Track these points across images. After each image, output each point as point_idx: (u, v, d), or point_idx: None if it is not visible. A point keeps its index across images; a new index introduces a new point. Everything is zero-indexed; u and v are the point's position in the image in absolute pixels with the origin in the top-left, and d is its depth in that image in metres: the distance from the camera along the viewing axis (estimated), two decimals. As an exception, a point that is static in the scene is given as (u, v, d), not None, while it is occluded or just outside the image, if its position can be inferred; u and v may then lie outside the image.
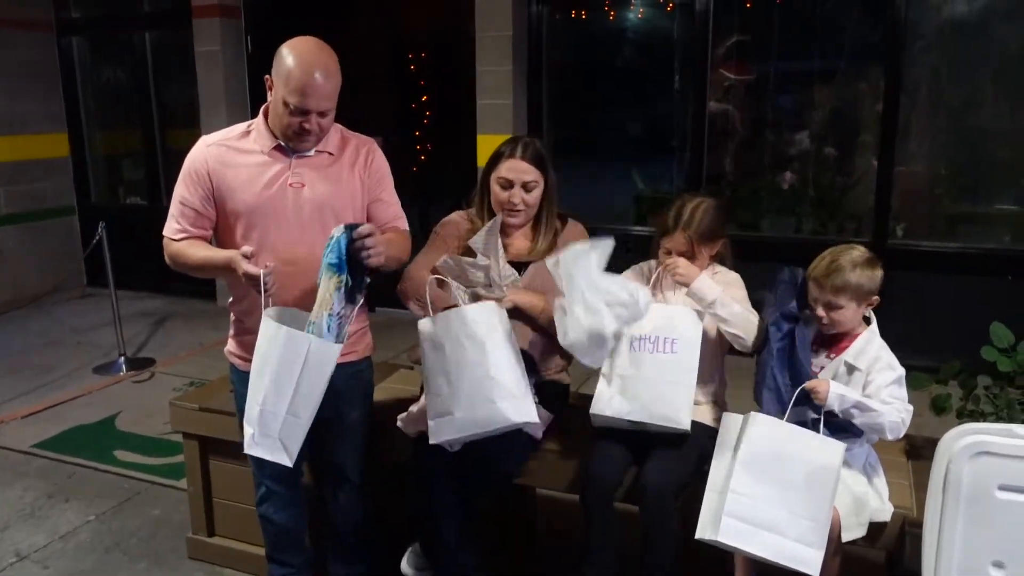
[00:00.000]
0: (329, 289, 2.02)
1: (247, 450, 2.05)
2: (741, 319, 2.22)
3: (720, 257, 2.41)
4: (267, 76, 2.14)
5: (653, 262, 2.42)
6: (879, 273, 2.15)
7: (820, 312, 2.15)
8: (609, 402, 2.23)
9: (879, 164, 4.62)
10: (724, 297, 2.21)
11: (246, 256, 2.05)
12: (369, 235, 2.03)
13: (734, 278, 2.37)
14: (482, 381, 2.08)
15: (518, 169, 2.42)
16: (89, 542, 3.08)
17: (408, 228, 2.40)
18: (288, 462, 2.04)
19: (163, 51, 6.47)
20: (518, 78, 5.18)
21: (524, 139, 2.50)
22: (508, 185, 2.43)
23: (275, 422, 2.00)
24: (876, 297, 2.16)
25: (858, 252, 2.16)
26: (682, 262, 2.26)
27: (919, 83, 4.61)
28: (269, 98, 2.15)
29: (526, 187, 2.42)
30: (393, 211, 2.38)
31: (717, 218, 2.34)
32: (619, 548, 2.24)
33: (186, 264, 2.23)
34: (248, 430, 2.04)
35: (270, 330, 2.00)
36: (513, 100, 5.14)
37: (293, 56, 2.06)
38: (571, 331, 2.03)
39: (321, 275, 2.03)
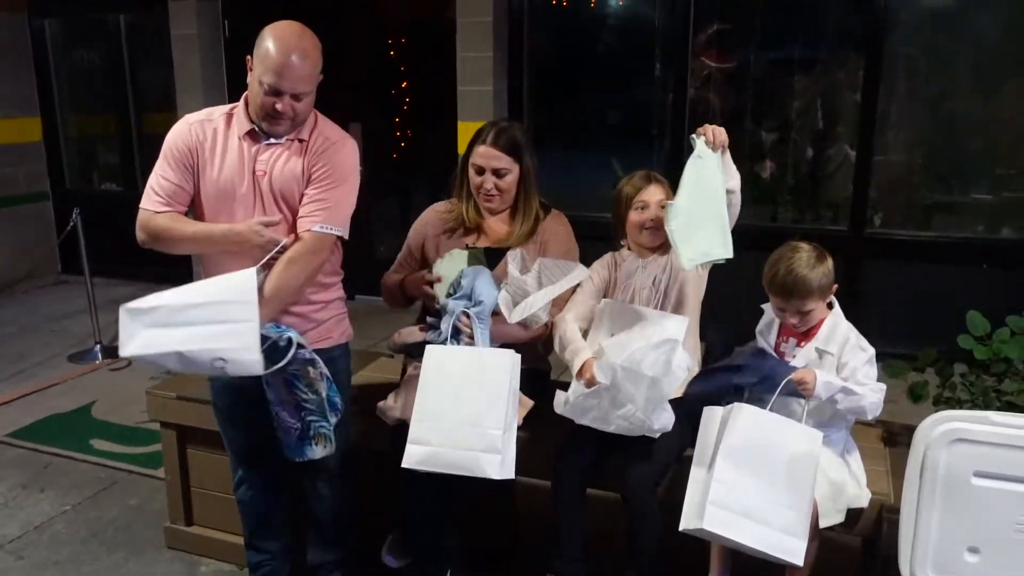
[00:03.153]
0: None
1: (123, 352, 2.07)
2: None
3: None
4: (248, 56, 2.12)
5: (622, 252, 2.45)
6: (830, 263, 2.17)
7: (792, 320, 2.18)
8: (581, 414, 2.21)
9: (858, 153, 4.65)
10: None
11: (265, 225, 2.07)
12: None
13: None
14: (472, 427, 2.08)
15: (489, 155, 2.42)
16: (65, 532, 3.04)
17: (321, 230, 2.14)
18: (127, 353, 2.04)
19: (138, 34, 6.36)
20: (499, 64, 5.15)
21: (501, 124, 2.49)
22: (480, 171, 2.44)
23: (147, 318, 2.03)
24: (836, 285, 2.18)
25: (805, 252, 2.16)
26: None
27: (898, 73, 4.64)
28: (249, 79, 2.13)
29: (497, 173, 2.43)
30: (315, 212, 2.14)
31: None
32: (585, 537, 2.26)
33: (173, 238, 2.17)
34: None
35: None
36: (494, 86, 5.11)
37: (273, 37, 2.05)
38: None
39: None
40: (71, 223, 4.85)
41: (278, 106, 2.07)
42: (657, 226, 2.32)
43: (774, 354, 2.22)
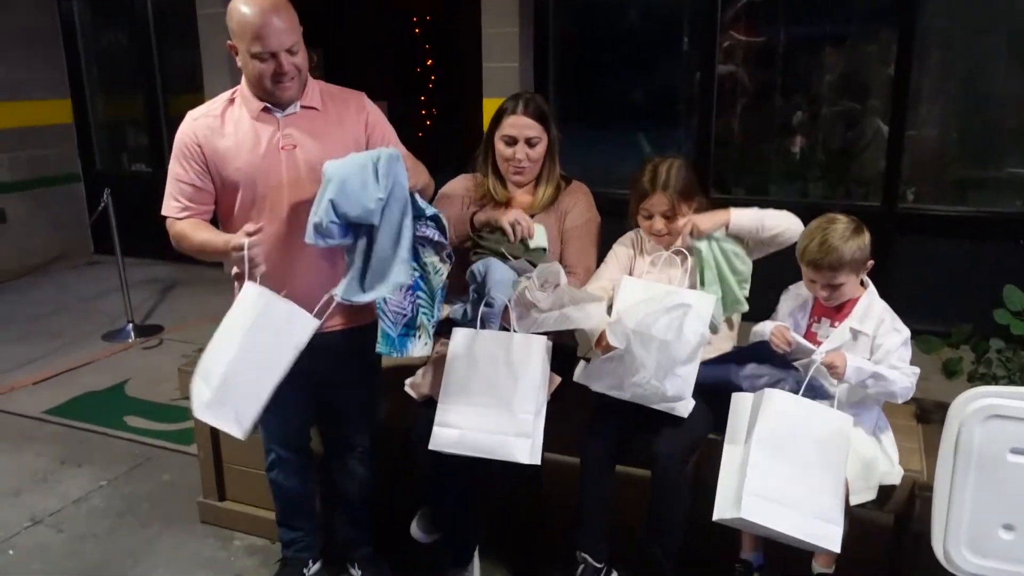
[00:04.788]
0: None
1: (197, 413, 2.02)
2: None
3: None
4: (228, 43, 2.09)
5: (638, 231, 2.44)
6: (867, 237, 2.14)
7: (822, 293, 2.15)
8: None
9: (891, 128, 4.56)
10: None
11: (249, 234, 1.99)
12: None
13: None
14: (503, 411, 2.09)
15: (520, 124, 2.42)
16: (102, 506, 3.11)
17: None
18: (240, 434, 1.99)
19: (165, 14, 6.38)
20: (525, 41, 5.11)
21: (526, 95, 2.50)
22: (512, 142, 2.44)
23: (235, 393, 1.96)
24: (871, 261, 2.14)
25: (843, 224, 2.13)
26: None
27: (931, 46, 4.53)
28: (238, 63, 2.10)
29: (529, 142, 2.43)
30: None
31: (690, 173, 2.36)
32: (609, 516, 2.27)
33: (189, 246, 2.17)
34: (203, 392, 1.99)
35: (251, 295, 1.98)
36: (519, 63, 5.08)
37: (241, 6, 2.02)
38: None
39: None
40: (102, 204, 4.91)
41: (279, 68, 2.04)
42: (660, 235, 2.35)
43: (784, 346, 2.15)
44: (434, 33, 5.85)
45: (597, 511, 2.27)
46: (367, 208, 1.98)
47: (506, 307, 2.17)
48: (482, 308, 2.18)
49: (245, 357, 1.96)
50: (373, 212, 1.99)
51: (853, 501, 2.05)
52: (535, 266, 2.25)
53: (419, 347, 2.19)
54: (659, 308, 2.09)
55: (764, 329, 2.19)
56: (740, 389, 2.14)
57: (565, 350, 2.56)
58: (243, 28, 2.01)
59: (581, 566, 2.29)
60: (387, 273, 2.05)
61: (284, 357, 1.96)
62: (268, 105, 2.14)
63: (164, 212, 2.19)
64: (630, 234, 2.48)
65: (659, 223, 2.33)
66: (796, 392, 2.05)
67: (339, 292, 2.04)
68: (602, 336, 2.21)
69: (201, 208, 2.19)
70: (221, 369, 1.96)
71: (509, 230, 2.31)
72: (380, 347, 2.16)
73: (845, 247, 2.09)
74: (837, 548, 1.93)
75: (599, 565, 2.28)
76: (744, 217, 2.26)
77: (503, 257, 2.26)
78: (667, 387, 2.08)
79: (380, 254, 2.04)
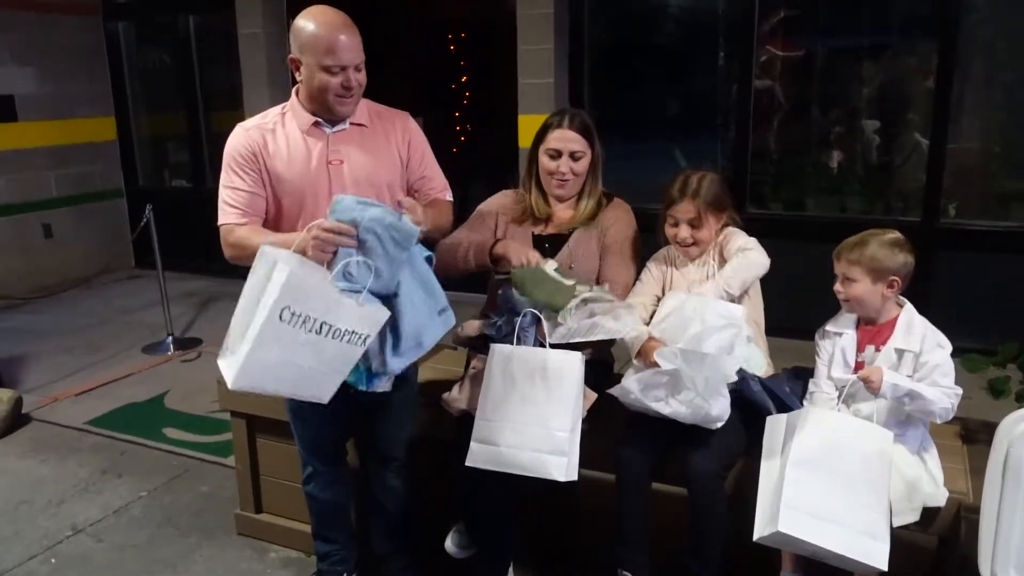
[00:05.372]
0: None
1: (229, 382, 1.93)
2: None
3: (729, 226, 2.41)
4: (290, 57, 2.13)
5: (669, 248, 2.44)
6: (903, 256, 2.10)
7: (838, 286, 2.15)
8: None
9: (931, 142, 4.49)
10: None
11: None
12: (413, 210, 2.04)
13: (745, 239, 2.32)
14: (539, 428, 2.09)
15: (566, 139, 2.45)
16: (141, 517, 3.15)
17: (452, 198, 2.42)
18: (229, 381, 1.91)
19: (206, 33, 6.54)
20: (559, 56, 5.13)
21: (571, 110, 2.54)
22: (556, 155, 2.46)
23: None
24: (896, 278, 2.10)
25: (890, 234, 2.13)
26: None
27: (972, 58, 4.46)
28: (298, 77, 2.15)
29: (573, 156, 2.45)
30: (439, 184, 2.41)
31: (722, 188, 2.35)
32: (649, 531, 2.24)
33: (251, 250, 2.02)
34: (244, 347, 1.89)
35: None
36: (554, 79, 5.09)
37: (311, 23, 2.07)
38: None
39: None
40: (144, 219, 5.00)
41: (346, 83, 2.10)
42: (685, 244, 2.35)
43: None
44: (469, 50, 5.88)
45: (636, 527, 2.25)
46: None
47: (539, 320, 2.17)
48: (517, 322, 2.18)
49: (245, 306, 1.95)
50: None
51: (896, 523, 2.00)
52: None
53: (384, 384, 2.15)
54: (710, 327, 2.09)
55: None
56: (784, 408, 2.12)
57: (603, 365, 2.55)
58: (316, 41, 2.06)
59: None
60: (422, 336, 2.09)
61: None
62: (319, 120, 2.18)
63: (221, 221, 2.20)
64: (662, 251, 2.49)
65: (684, 231, 2.33)
66: None
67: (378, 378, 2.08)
68: (645, 349, 2.20)
69: (255, 217, 2.21)
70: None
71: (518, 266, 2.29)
72: (348, 376, 2.05)
73: (871, 247, 2.09)
74: (884, 566, 1.87)
75: None
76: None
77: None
78: (712, 405, 2.08)
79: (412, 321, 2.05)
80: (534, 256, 2.29)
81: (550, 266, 2.27)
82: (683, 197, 2.32)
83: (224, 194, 2.21)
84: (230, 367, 1.89)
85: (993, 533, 1.76)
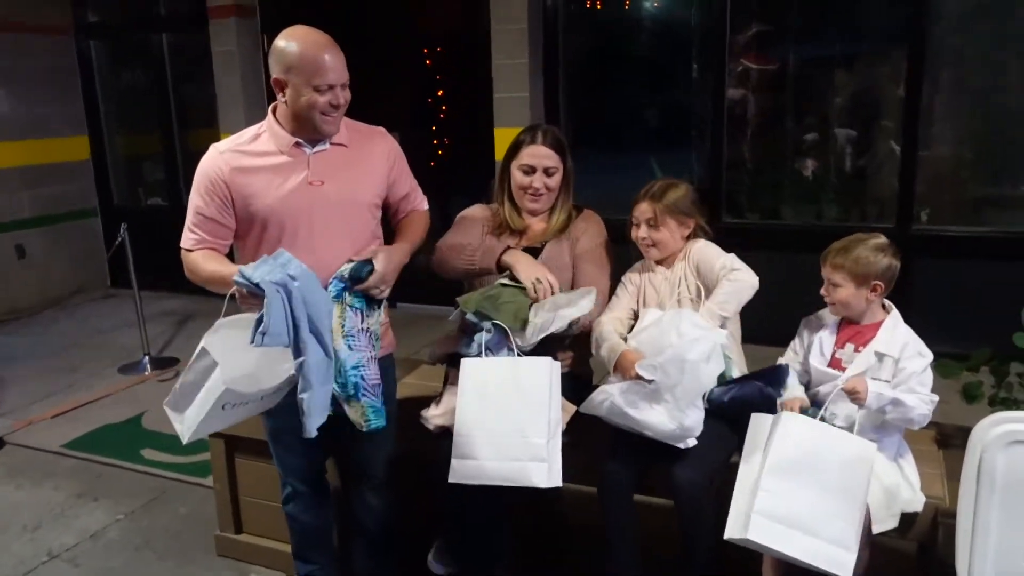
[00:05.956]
0: (339, 315, 2.08)
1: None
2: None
3: (696, 236, 2.46)
4: (275, 79, 2.11)
5: (644, 262, 2.50)
6: (887, 261, 2.14)
7: (823, 291, 2.19)
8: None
9: (903, 149, 4.55)
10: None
11: None
12: (375, 286, 2.11)
13: (728, 257, 2.33)
14: (516, 437, 2.08)
15: (539, 155, 2.46)
16: (119, 540, 3.11)
17: (427, 207, 2.46)
18: (183, 437, 1.95)
19: (180, 53, 6.49)
20: (534, 70, 5.16)
21: (543, 126, 2.55)
22: (530, 171, 2.48)
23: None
24: (879, 283, 2.13)
25: (876, 239, 2.16)
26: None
27: (942, 66, 4.53)
28: (281, 98, 2.12)
29: (547, 172, 2.47)
30: (418, 198, 2.43)
31: (687, 197, 2.41)
32: (639, 542, 2.24)
33: (198, 277, 2.17)
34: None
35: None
36: (530, 92, 5.12)
37: (295, 44, 2.06)
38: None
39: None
40: (119, 238, 4.96)
41: (334, 101, 2.09)
42: (644, 243, 2.41)
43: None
44: (445, 65, 5.90)
45: (623, 539, 2.25)
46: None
47: (507, 332, 2.17)
48: (484, 336, 2.19)
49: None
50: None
51: (876, 530, 2.02)
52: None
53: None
54: (688, 336, 2.12)
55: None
56: (766, 407, 2.13)
57: (581, 378, 2.56)
58: (303, 62, 2.05)
59: None
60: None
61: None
62: (300, 140, 2.16)
63: (181, 244, 2.21)
64: (637, 264, 2.53)
65: (643, 230, 2.40)
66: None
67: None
68: (621, 365, 2.21)
69: (215, 243, 2.19)
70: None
71: (530, 287, 2.29)
72: (373, 423, 2.15)
73: (855, 252, 2.12)
74: (849, 574, 1.90)
75: None
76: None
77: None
78: (687, 415, 2.09)
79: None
80: (554, 283, 2.30)
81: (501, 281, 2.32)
82: (643, 199, 2.40)
83: (190, 216, 2.20)
84: (180, 426, 1.96)
85: (970, 537, 1.78)
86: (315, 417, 2.00)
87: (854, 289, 2.14)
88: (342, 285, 2.10)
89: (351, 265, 2.11)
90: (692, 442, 2.14)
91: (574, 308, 2.24)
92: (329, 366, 2.01)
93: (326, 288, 2.07)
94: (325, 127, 2.14)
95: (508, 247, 2.46)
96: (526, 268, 2.34)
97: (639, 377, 2.14)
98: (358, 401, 2.13)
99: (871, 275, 2.12)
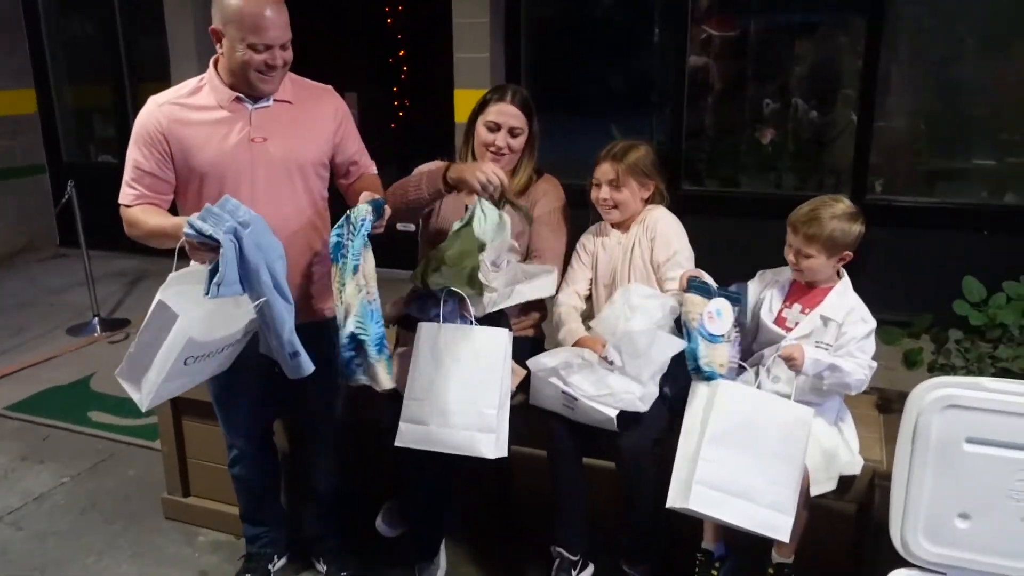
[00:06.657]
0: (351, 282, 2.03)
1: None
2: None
3: (655, 200, 2.46)
4: (212, 28, 2.04)
5: (600, 224, 2.50)
6: (857, 228, 2.14)
7: (791, 258, 2.18)
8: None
9: (859, 119, 4.59)
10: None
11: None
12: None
13: (673, 229, 2.37)
14: (467, 407, 2.08)
15: (506, 113, 2.43)
16: (64, 503, 3.06)
17: (376, 171, 2.42)
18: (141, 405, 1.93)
19: (132, 2, 6.27)
20: (495, 31, 5.08)
21: (513, 87, 2.52)
22: (495, 128, 2.44)
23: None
24: (849, 252, 2.15)
25: (842, 205, 2.15)
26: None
27: (900, 36, 4.57)
28: (219, 50, 2.06)
29: (512, 132, 2.44)
30: (366, 161, 2.39)
31: (648, 158, 2.41)
32: (587, 505, 2.27)
33: (140, 232, 2.11)
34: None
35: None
36: (490, 53, 5.05)
37: None
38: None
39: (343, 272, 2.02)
40: (66, 195, 4.82)
41: (270, 61, 2.02)
42: (605, 205, 2.40)
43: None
44: (406, 24, 5.78)
45: (571, 503, 2.28)
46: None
47: (463, 299, 2.15)
48: (442, 306, 2.16)
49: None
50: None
51: (814, 492, 2.06)
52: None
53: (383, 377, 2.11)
54: (638, 307, 2.15)
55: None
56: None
57: (532, 342, 2.56)
58: (241, 15, 1.97)
59: (557, 560, 2.30)
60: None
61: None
62: (240, 95, 2.10)
63: (120, 199, 2.13)
64: (591, 227, 2.53)
65: (604, 191, 2.39)
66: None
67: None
68: (582, 344, 2.25)
69: (155, 198, 2.13)
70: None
71: (479, 189, 2.19)
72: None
73: (828, 223, 2.11)
74: (786, 538, 1.95)
75: (574, 558, 2.29)
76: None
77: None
78: (640, 389, 2.10)
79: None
80: (499, 173, 2.21)
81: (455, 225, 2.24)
82: (605, 159, 2.40)
83: (127, 171, 2.13)
84: (136, 395, 1.92)
85: (903, 500, 1.82)
86: (301, 358, 2.00)
87: (825, 260, 2.15)
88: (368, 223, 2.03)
89: (370, 202, 2.04)
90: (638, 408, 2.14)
91: (531, 288, 2.21)
92: (289, 309, 1.96)
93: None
94: (261, 86, 2.08)
95: (450, 164, 2.34)
96: (471, 173, 2.22)
97: (605, 359, 2.16)
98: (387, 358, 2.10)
99: (845, 246, 2.14)
